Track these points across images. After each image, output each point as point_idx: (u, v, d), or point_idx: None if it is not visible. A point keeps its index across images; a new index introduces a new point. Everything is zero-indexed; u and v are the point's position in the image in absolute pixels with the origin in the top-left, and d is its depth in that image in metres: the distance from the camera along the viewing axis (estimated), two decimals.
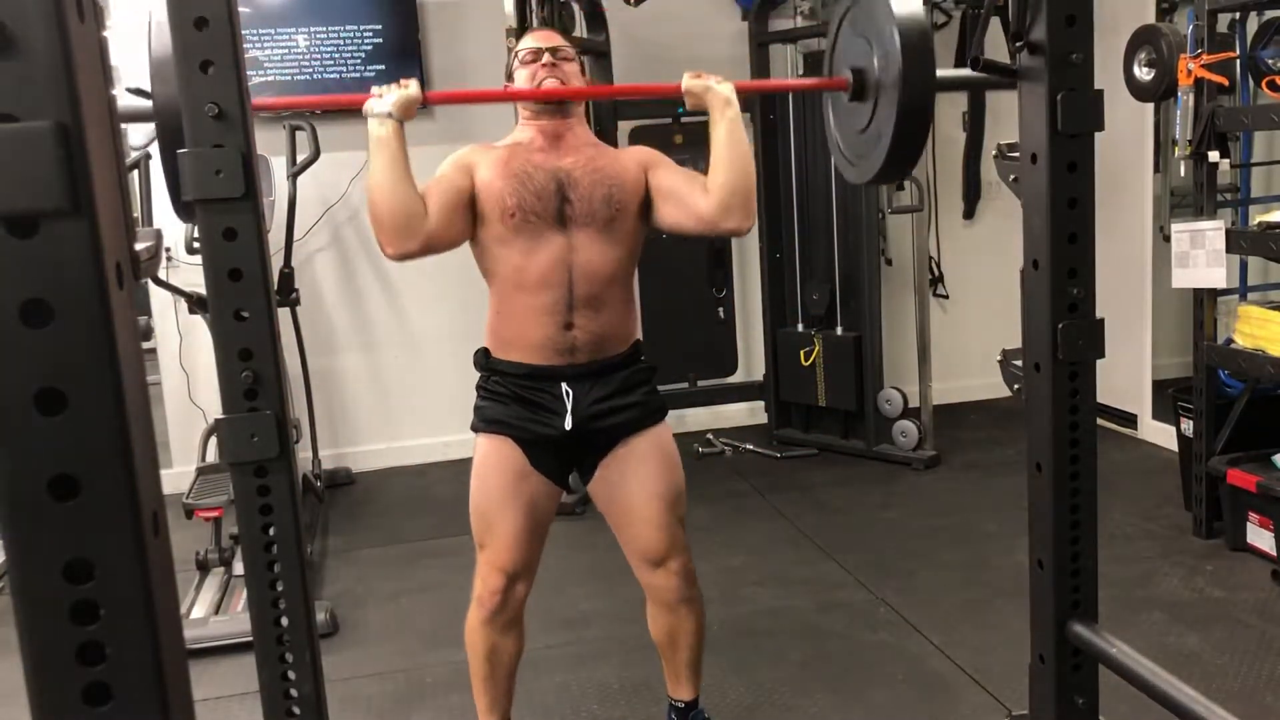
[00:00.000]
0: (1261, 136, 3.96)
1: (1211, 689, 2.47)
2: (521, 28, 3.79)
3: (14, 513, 0.69)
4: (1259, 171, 3.98)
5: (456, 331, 4.77)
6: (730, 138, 2.06)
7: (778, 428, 4.83)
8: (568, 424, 2.09)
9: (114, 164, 0.72)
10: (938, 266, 4.98)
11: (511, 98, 2.18)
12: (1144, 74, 3.23)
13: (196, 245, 2.13)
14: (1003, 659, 2.70)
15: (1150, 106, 4.04)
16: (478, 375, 2.20)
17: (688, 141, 4.68)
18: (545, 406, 2.10)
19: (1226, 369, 3.41)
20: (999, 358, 3.24)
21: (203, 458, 3.91)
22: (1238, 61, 3.36)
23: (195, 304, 3.68)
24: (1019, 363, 1.81)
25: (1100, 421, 2.25)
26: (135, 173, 3.56)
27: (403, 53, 4.53)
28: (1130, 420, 4.64)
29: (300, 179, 4.14)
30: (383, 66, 4.51)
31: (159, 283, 3.71)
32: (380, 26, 4.50)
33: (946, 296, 5.06)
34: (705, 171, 2.13)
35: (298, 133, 4.12)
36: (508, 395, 2.12)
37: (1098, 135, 1.63)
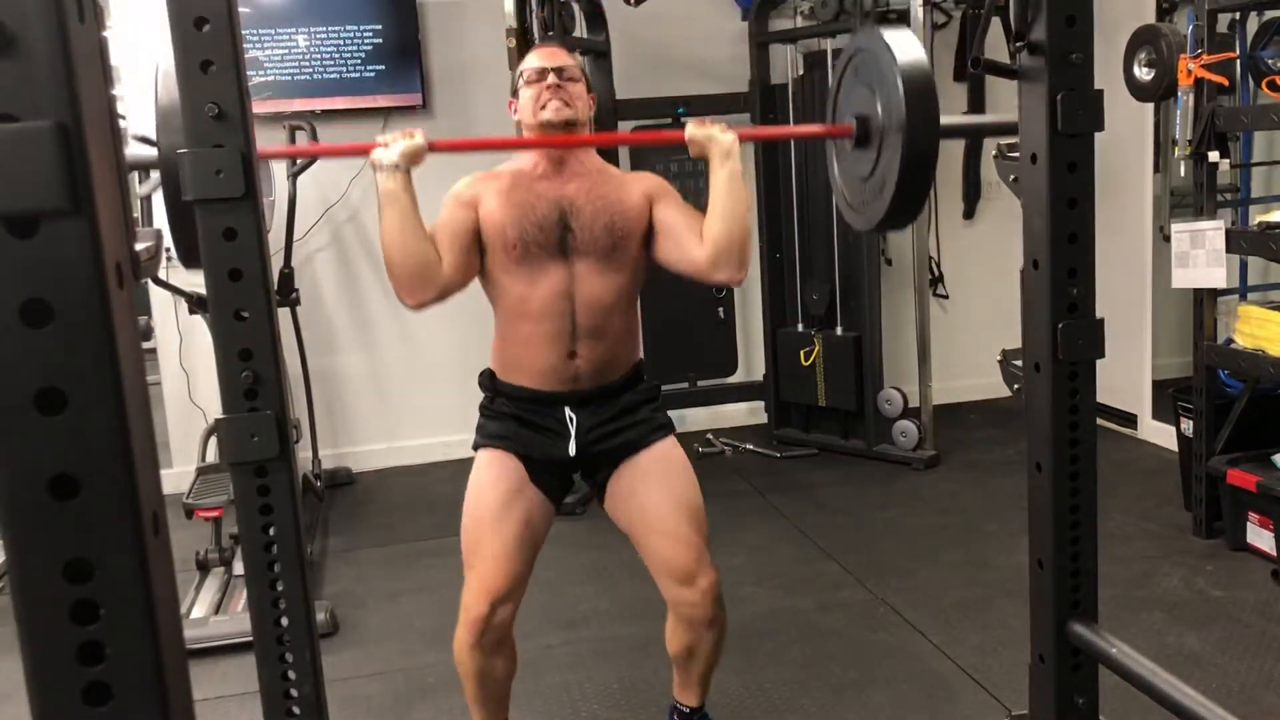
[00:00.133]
0: (1261, 136, 3.97)
1: (1211, 689, 2.47)
2: (521, 28, 3.79)
3: (14, 513, 0.68)
4: (1259, 171, 3.98)
5: (456, 331, 4.77)
6: (728, 190, 2.06)
7: (778, 428, 4.83)
8: (571, 449, 2.11)
9: (114, 164, 0.72)
10: (938, 266, 4.98)
11: (517, 146, 2.14)
12: (1144, 74, 3.23)
13: None
14: (1003, 659, 2.71)
15: (1150, 106, 4.04)
16: (480, 392, 2.20)
17: None
18: (549, 429, 2.12)
19: (1226, 369, 3.41)
20: (999, 358, 3.24)
21: (203, 458, 3.91)
22: (1238, 61, 3.36)
23: (195, 304, 3.68)
24: (1019, 363, 1.81)
25: (1100, 421, 2.25)
26: (135, 173, 3.56)
27: (403, 53, 4.53)
28: (1130, 420, 4.64)
29: (300, 179, 4.14)
30: (383, 66, 4.52)
31: (159, 283, 3.71)
32: (380, 26, 4.50)
33: (946, 296, 5.06)
34: (704, 206, 2.12)
35: (298, 133, 4.12)
36: (512, 417, 2.13)
37: (1098, 135, 1.63)
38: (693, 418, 4.99)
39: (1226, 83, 3.22)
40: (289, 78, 4.45)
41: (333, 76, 4.48)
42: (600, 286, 2.08)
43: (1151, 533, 3.54)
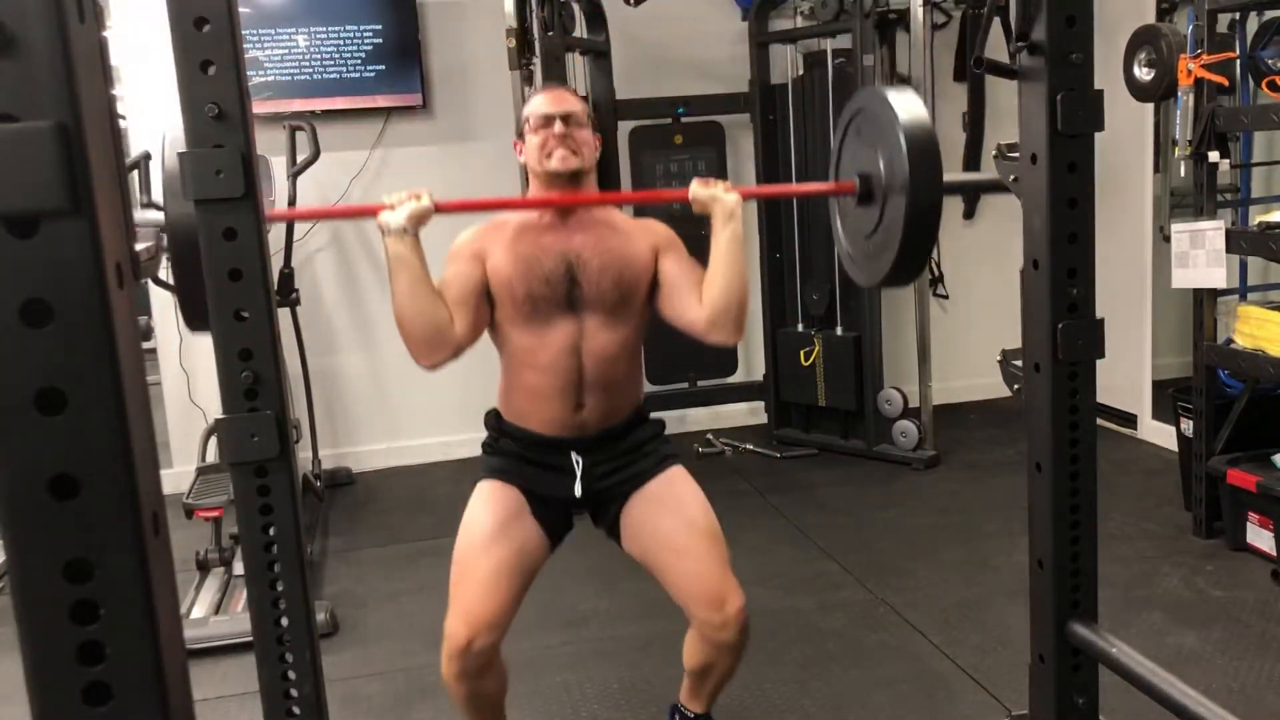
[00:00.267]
0: (1261, 136, 3.97)
1: (1211, 689, 2.47)
2: (521, 28, 3.79)
3: (14, 513, 0.69)
4: (1259, 171, 3.98)
5: None
6: (729, 253, 2.03)
7: (778, 428, 4.83)
8: (578, 490, 2.12)
9: (114, 164, 0.72)
10: (938, 266, 4.98)
11: (524, 206, 2.12)
12: (1144, 74, 3.23)
13: None
14: (1003, 659, 2.71)
15: (1150, 106, 4.04)
16: (485, 432, 2.21)
17: (687, 142, 4.70)
18: (556, 469, 2.12)
19: (1226, 369, 3.41)
20: (999, 358, 3.24)
21: (203, 458, 3.91)
22: (1238, 61, 3.36)
23: None
24: (1019, 363, 1.81)
25: (1100, 421, 2.25)
26: (135, 173, 3.56)
27: (403, 53, 4.53)
28: (1130, 420, 4.64)
29: (300, 179, 4.14)
30: (383, 66, 4.52)
31: (159, 283, 3.70)
32: (380, 26, 4.49)
33: (946, 296, 5.06)
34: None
35: (298, 133, 4.12)
36: (517, 455, 2.14)
37: (1098, 135, 1.63)
38: (693, 418, 4.99)
39: (1226, 83, 3.22)
40: (289, 78, 4.45)
41: (333, 76, 4.48)
42: (607, 339, 2.08)
43: (1151, 533, 3.54)
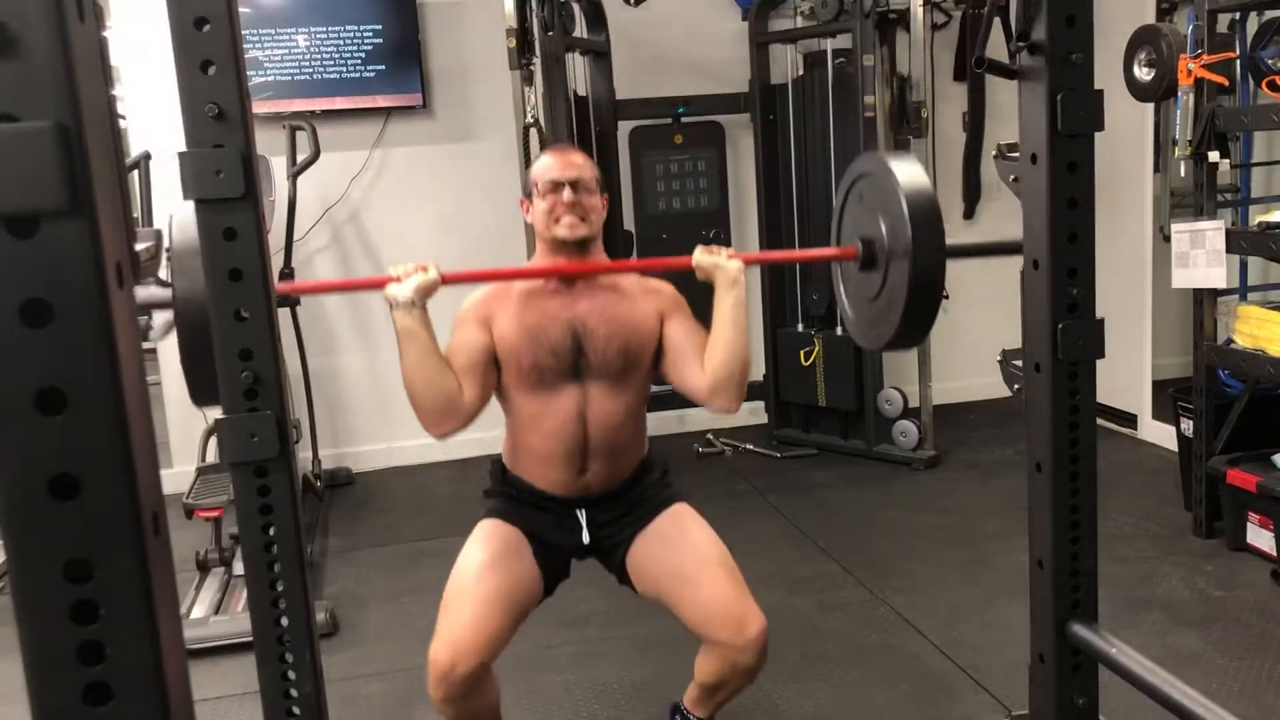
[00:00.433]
0: (1261, 136, 3.97)
1: (1211, 689, 2.47)
2: (521, 28, 3.79)
3: (14, 513, 0.68)
4: (1259, 171, 3.98)
5: None
6: (731, 320, 2.04)
7: (778, 428, 4.83)
8: (585, 538, 2.14)
9: (114, 164, 0.72)
10: None
11: (530, 275, 2.12)
12: (1144, 74, 3.23)
13: None
14: (1003, 659, 2.71)
15: (1150, 106, 4.04)
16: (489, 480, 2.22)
17: (687, 142, 4.70)
18: (561, 517, 2.14)
19: (1226, 369, 3.41)
20: (999, 358, 3.24)
21: (203, 458, 3.91)
22: (1238, 61, 3.36)
23: None
24: (1019, 363, 1.81)
25: (1100, 421, 2.25)
26: (135, 173, 3.56)
27: (403, 53, 4.53)
28: (1130, 420, 4.64)
29: (300, 179, 4.14)
30: (383, 66, 4.52)
31: (159, 282, 3.70)
32: (380, 26, 4.50)
33: (947, 296, 5.04)
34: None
35: (298, 133, 4.12)
36: (522, 501, 2.15)
37: (1098, 135, 1.63)
38: (693, 418, 4.99)
39: (1226, 83, 3.22)
40: (289, 78, 4.45)
41: (333, 76, 4.48)
42: (612, 406, 2.09)
43: (1151, 533, 3.54)
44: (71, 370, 0.68)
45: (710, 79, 4.76)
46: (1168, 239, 3.82)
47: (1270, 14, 3.47)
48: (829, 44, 4.43)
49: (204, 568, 3.44)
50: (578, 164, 2.10)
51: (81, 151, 0.66)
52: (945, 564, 3.40)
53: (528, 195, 2.14)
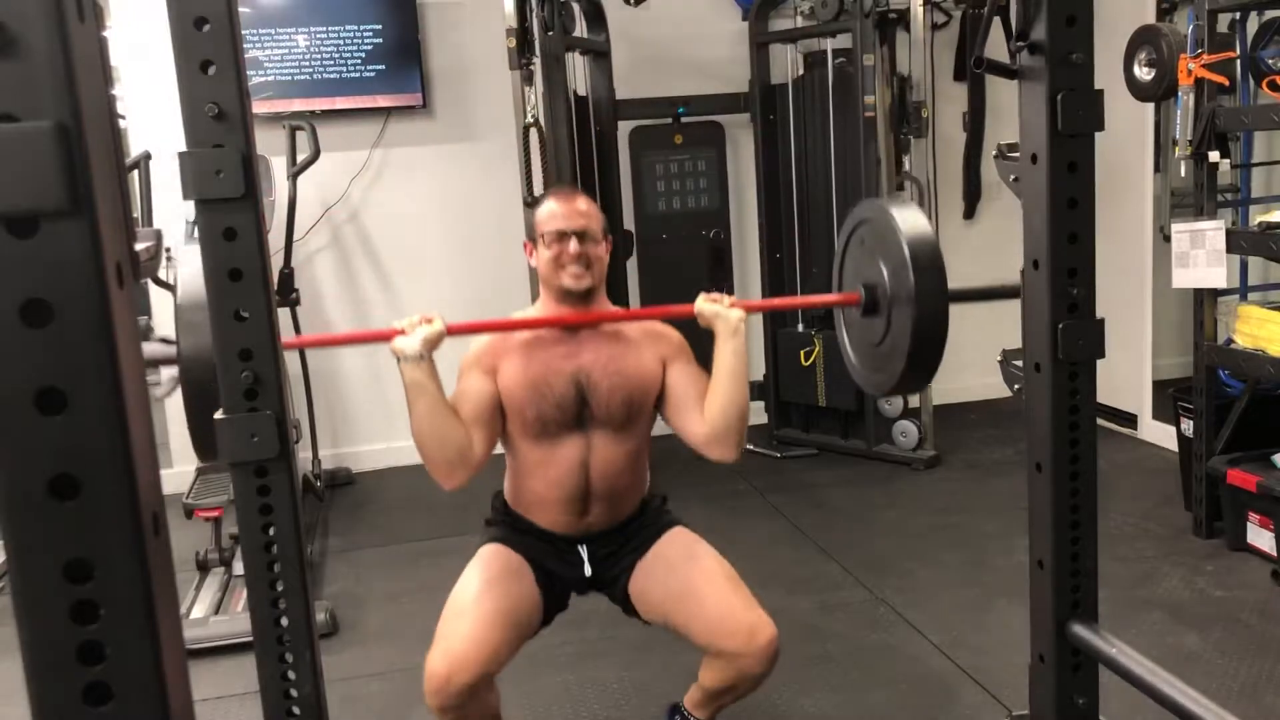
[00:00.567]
0: (1261, 136, 3.97)
1: (1211, 689, 2.47)
2: (521, 28, 3.79)
3: (14, 513, 0.68)
4: (1259, 171, 3.98)
5: None
6: (731, 369, 2.05)
7: (778, 428, 4.83)
8: (587, 570, 2.15)
9: (114, 164, 0.72)
10: None
11: (534, 326, 2.12)
12: (1144, 74, 3.23)
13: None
14: (1003, 659, 2.70)
15: (1150, 106, 4.04)
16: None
17: (687, 142, 4.70)
18: (564, 553, 2.15)
19: (1226, 369, 3.41)
20: (999, 358, 3.24)
21: None
22: (1238, 61, 3.36)
23: None
24: (1019, 363, 1.81)
25: (1100, 421, 2.25)
26: (135, 173, 3.56)
27: (403, 53, 4.53)
28: (1130, 420, 4.64)
29: (300, 179, 4.14)
30: (383, 66, 4.52)
31: (159, 283, 3.71)
32: (380, 26, 4.50)
33: None
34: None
35: (298, 133, 4.12)
36: (523, 532, 2.16)
37: (1098, 135, 1.63)
38: None
39: (1227, 83, 3.22)
40: (289, 78, 4.45)
41: (333, 76, 4.48)
42: (615, 453, 2.11)
43: (1151, 533, 3.54)
44: (71, 370, 0.68)
45: (710, 79, 4.76)
46: (1168, 239, 3.81)
47: (1270, 14, 3.47)
48: (829, 44, 4.43)
49: (204, 568, 3.44)
50: (583, 212, 2.09)
51: (81, 151, 0.66)
52: (945, 564, 3.40)
53: (531, 239, 2.13)
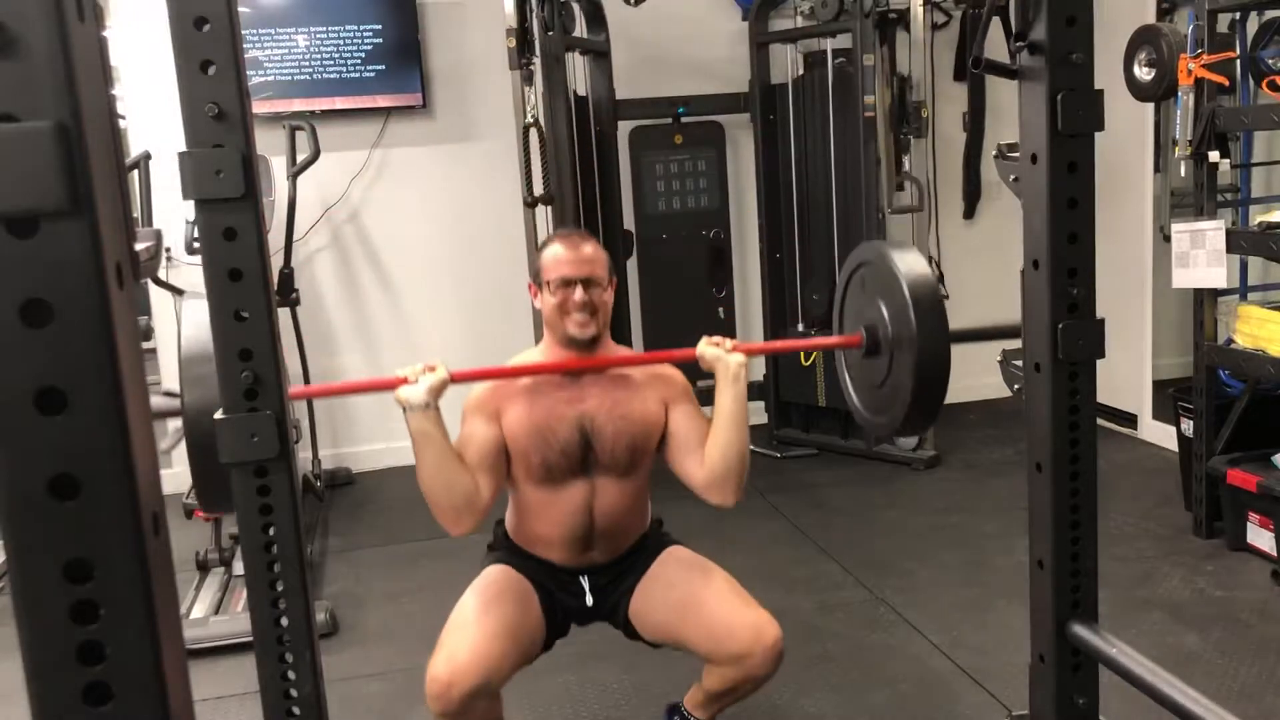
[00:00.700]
0: (1261, 136, 3.97)
1: (1211, 689, 2.47)
2: (521, 28, 3.79)
3: (14, 513, 0.68)
4: (1259, 171, 3.98)
5: (456, 330, 4.77)
6: (732, 415, 2.05)
7: (778, 428, 4.83)
8: (589, 601, 2.16)
9: (114, 164, 0.72)
10: (938, 266, 4.97)
11: (538, 372, 2.11)
12: (1144, 74, 3.23)
13: (196, 245, 2.13)
14: (1003, 659, 2.70)
15: (1150, 106, 4.04)
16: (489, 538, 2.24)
17: (687, 142, 4.70)
18: (566, 583, 2.16)
19: (1226, 369, 3.41)
20: (999, 358, 3.24)
21: None
22: (1238, 61, 3.36)
23: None
24: (1019, 363, 1.81)
25: (1100, 421, 2.25)
26: (135, 173, 3.56)
27: (403, 53, 4.53)
28: (1130, 420, 4.64)
29: (300, 179, 4.14)
30: (383, 66, 4.52)
31: (159, 283, 3.71)
32: (380, 26, 4.50)
33: (947, 296, 5.04)
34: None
35: (298, 133, 4.12)
36: (526, 558, 2.17)
37: (1098, 135, 1.63)
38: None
39: (1227, 83, 3.22)
40: (289, 78, 4.45)
41: (333, 76, 4.48)
42: (618, 494, 2.11)
43: (1151, 533, 3.54)
44: (71, 370, 0.68)
45: (710, 79, 4.76)
46: (1168, 239, 3.81)
47: (1270, 14, 3.47)
48: (829, 44, 4.43)
49: (204, 568, 3.44)
50: (589, 258, 2.07)
51: (81, 151, 0.66)
52: (945, 564, 3.40)
53: (536, 280, 2.12)
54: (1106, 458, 4.08)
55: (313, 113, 4.37)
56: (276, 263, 4.07)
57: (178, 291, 3.81)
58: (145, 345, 4.38)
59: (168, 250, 4.07)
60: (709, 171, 4.71)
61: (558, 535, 2.12)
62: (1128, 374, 4.55)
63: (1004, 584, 3.15)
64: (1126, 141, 4.38)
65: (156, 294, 4.35)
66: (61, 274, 0.67)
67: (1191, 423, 3.48)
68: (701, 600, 2.09)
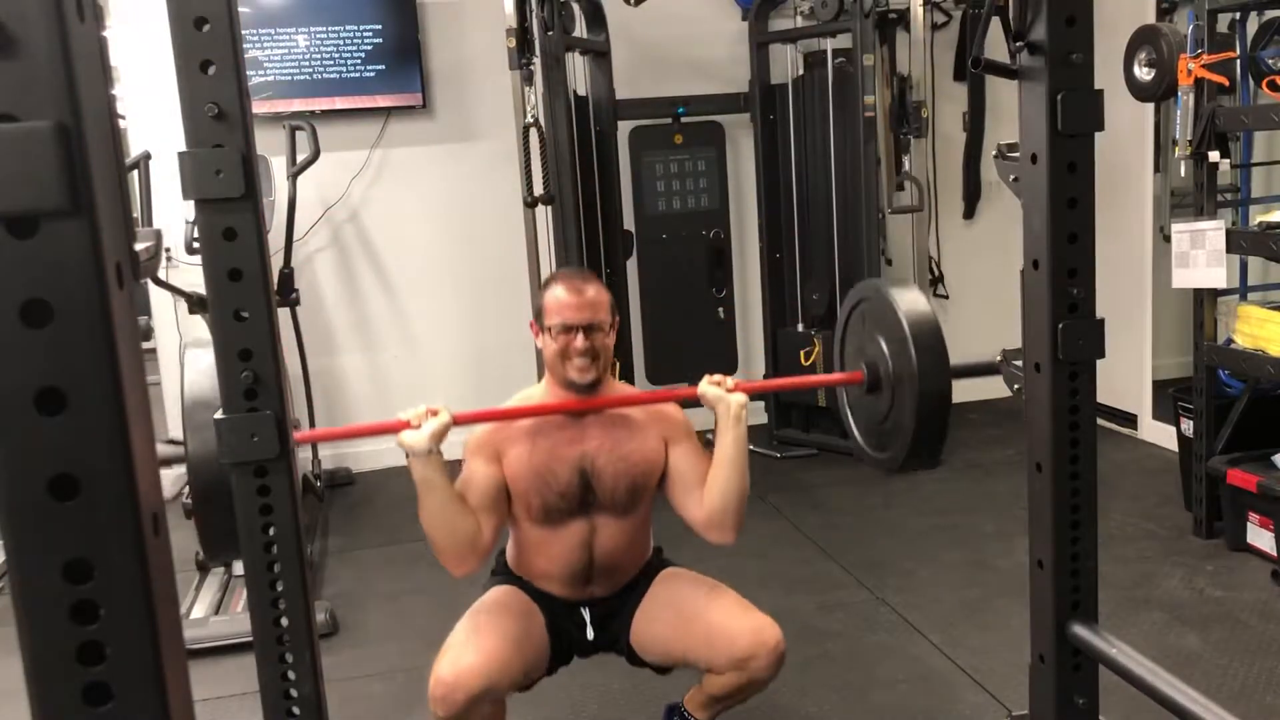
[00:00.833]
0: (1261, 136, 3.96)
1: (1211, 689, 2.47)
2: (521, 28, 3.79)
3: (14, 513, 0.68)
4: (1259, 171, 3.98)
5: (457, 331, 4.77)
6: (731, 457, 2.05)
7: (778, 428, 4.83)
8: (590, 634, 2.16)
9: (114, 164, 0.72)
10: (938, 266, 4.98)
11: (540, 413, 2.11)
12: (1144, 74, 3.23)
13: (196, 245, 2.13)
14: (1003, 659, 2.70)
15: (1150, 106, 4.04)
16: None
17: (687, 141, 4.70)
18: (567, 616, 2.16)
19: (1226, 369, 3.41)
20: (999, 358, 3.24)
21: None
22: (1238, 61, 3.36)
23: (195, 304, 3.68)
24: (1019, 363, 1.81)
25: (1100, 421, 2.25)
26: (135, 173, 3.56)
27: (403, 53, 4.53)
28: (1130, 420, 4.64)
29: (300, 179, 4.14)
30: (383, 66, 4.52)
31: (159, 283, 3.70)
32: (380, 26, 4.50)
33: (946, 296, 5.06)
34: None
35: (298, 133, 4.12)
36: (526, 586, 2.17)
37: (1098, 135, 1.63)
38: (693, 419, 4.98)
39: (1227, 83, 3.22)
40: (289, 78, 4.45)
41: (333, 76, 4.48)
42: (618, 532, 2.12)
43: (1151, 533, 3.54)
44: (71, 370, 0.68)
45: (710, 79, 4.76)
46: (1168, 239, 3.81)
47: (1270, 14, 3.47)
48: (829, 44, 4.43)
49: (204, 568, 3.43)
50: (592, 302, 2.05)
51: (81, 151, 0.66)
52: (945, 564, 3.40)
53: (537, 319, 2.12)
54: (1106, 458, 4.08)
55: (313, 113, 4.36)
56: (276, 263, 4.06)
57: (178, 292, 3.81)
58: (145, 345, 4.38)
59: (168, 250, 4.06)
60: (709, 171, 4.71)
61: (557, 572, 2.13)
62: (1128, 374, 4.55)
63: (1004, 584, 3.15)
64: (1126, 141, 4.38)
65: (156, 294, 4.35)
66: (61, 274, 0.67)
67: (1191, 423, 3.48)
68: (700, 610, 2.10)
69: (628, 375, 4.37)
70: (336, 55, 4.48)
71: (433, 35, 4.63)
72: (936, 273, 4.96)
